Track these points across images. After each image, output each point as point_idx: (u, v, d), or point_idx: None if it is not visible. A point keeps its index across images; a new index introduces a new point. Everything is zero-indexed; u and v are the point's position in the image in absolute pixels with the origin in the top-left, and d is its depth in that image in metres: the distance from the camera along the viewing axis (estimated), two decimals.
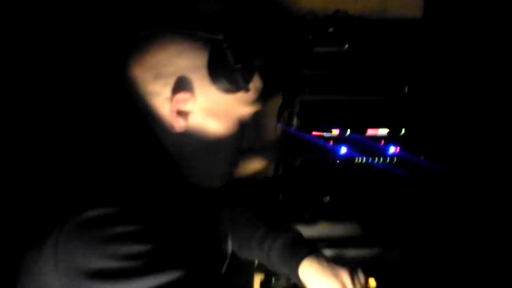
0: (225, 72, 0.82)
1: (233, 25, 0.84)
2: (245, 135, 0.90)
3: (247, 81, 0.84)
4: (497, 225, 1.36)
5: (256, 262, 1.44)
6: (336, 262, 1.02)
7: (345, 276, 1.00)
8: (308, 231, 1.31)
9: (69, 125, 0.91)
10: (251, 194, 1.41)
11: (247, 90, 0.85)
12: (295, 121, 1.58)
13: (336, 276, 0.99)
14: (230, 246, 1.12)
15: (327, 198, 1.36)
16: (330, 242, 1.35)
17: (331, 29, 1.68)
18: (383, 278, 1.32)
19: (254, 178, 1.52)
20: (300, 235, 1.11)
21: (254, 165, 1.53)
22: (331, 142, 1.58)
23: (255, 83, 0.86)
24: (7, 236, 1.01)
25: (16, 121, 1.27)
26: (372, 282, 1.31)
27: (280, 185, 1.42)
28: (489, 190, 1.41)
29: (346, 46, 1.67)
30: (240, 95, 0.85)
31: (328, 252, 1.35)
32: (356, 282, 1.02)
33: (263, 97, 0.89)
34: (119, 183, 0.75)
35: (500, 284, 1.29)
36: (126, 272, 0.69)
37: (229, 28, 0.83)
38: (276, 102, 1.65)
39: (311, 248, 1.04)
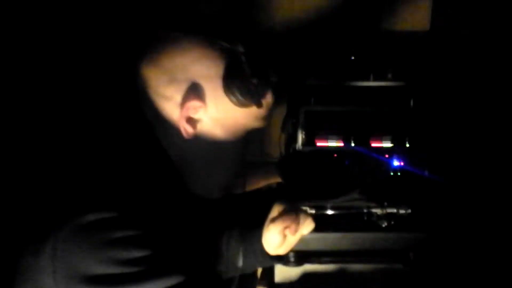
0: (240, 85, 0.81)
1: (252, 40, 0.83)
2: (250, 149, 0.89)
3: (261, 96, 0.83)
4: (505, 241, 1.34)
5: (259, 274, 1.42)
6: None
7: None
8: (312, 243, 1.29)
9: (71, 126, 0.90)
10: (255, 204, 1.40)
11: (260, 106, 0.83)
12: (299, 131, 1.57)
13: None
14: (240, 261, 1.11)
15: (330, 211, 1.35)
16: (334, 255, 1.34)
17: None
18: None
19: (257, 189, 1.51)
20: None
21: (258, 177, 1.52)
22: (335, 155, 1.57)
23: (267, 99, 0.85)
24: (3, 240, 0.99)
25: (17, 122, 1.25)
26: None
27: (284, 196, 1.40)
28: (495, 205, 1.40)
29: (352, 57, 1.67)
30: (251, 110, 0.84)
31: (331, 266, 1.34)
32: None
33: (271, 113, 0.88)
34: (118, 187, 0.74)
35: None
36: (125, 278, 0.68)
37: (249, 42, 0.82)
38: (281, 111, 1.64)
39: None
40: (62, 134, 0.89)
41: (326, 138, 1.58)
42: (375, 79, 1.62)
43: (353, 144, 1.57)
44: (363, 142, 1.57)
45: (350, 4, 1.81)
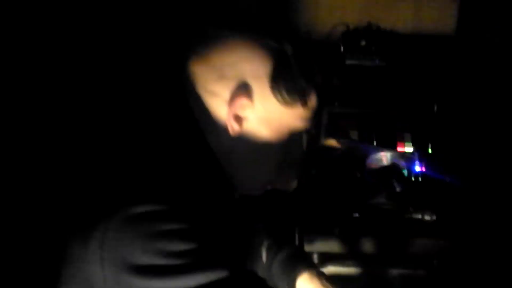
0: (287, 84, 0.81)
1: (300, 41, 0.82)
2: (292, 150, 0.89)
3: (307, 97, 0.83)
4: None
5: None
6: (336, 283, 1.02)
7: None
8: (336, 246, 1.29)
9: (122, 120, 0.91)
10: (280, 207, 1.40)
11: (305, 106, 0.83)
12: (322, 133, 1.57)
13: None
14: (264, 259, 1.11)
15: (356, 214, 1.34)
16: (358, 258, 1.33)
17: (363, 42, 1.67)
18: None
19: (284, 192, 1.50)
20: (301, 250, 1.15)
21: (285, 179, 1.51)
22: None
23: (312, 101, 0.85)
24: (51, 229, 1.01)
25: (71, 112, 1.28)
26: None
27: (309, 198, 1.40)
28: None
29: (377, 60, 1.66)
30: (296, 110, 0.84)
31: (354, 269, 1.33)
32: None
33: (315, 115, 0.88)
34: (167, 180, 0.74)
35: None
36: (171, 269, 0.69)
37: (297, 42, 0.82)
38: None
39: (310, 264, 1.06)
40: (114, 128, 0.89)
41: (349, 140, 1.58)
42: (399, 82, 1.62)
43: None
44: (386, 146, 1.57)
45: (375, 6, 1.81)
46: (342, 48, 1.65)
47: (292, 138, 0.86)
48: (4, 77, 1.26)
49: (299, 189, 1.53)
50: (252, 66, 0.81)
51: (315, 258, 1.30)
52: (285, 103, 0.82)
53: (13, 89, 1.28)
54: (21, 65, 1.29)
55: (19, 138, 1.28)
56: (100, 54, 1.37)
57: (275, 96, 0.81)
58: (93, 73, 1.35)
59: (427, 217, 1.34)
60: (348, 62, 1.63)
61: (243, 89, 0.81)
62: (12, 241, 1.20)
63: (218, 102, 0.81)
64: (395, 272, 1.34)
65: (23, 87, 1.29)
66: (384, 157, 1.43)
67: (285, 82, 0.81)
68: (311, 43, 1.63)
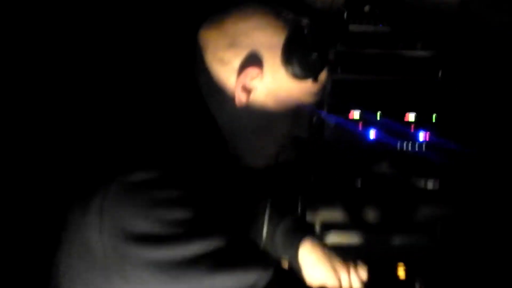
0: (300, 57, 0.79)
1: (317, 13, 0.80)
2: (298, 124, 0.87)
3: (318, 72, 0.80)
4: None
5: None
6: (337, 252, 1.03)
7: (339, 266, 1.02)
8: (339, 215, 1.29)
9: (124, 88, 0.90)
10: (282, 175, 1.39)
11: (315, 81, 0.81)
12: (325, 100, 1.55)
13: (332, 265, 1.01)
14: (265, 229, 1.11)
15: (359, 183, 1.34)
16: (361, 227, 1.33)
17: (367, 8, 1.64)
18: (411, 265, 1.31)
19: (285, 160, 1.49)
20: (303, 220, 1.17)
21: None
22: (361, 124, 1.55)
23: (322, 76, 0.83)
24: (51, 196, 1.01)
25: (69, 81, 1.27)
26: (401, 269, 1.29)
27: (312, 167, 1.39)
28: None
29: (381, 26, 1.63)
30: (306, 84, 0.82)
31: (357, 237, 1.33)
32: (352, 273, 1.02)
33: (324, 90, 0.86)
34: (167, 147, 0.74)
35: None
36: (169, 238, 0.69)
37: (314, 15, 0.79)
38: None
39: (312, 234, 1.06)
40: (115, 97, 0.88)
41: (351, 108, 1.56)
42: (404, 49, 1.59)
43: (379, 115, 1.55)
44: (390, 113, 1.55)
45: None
46: (345, 14, 1.62)
47: (299, 113, 0.85)
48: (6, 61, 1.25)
49: (303, 158, 1.53)
50: (265, 36, 0.79)
51: (318, 227, 1.30)
52: (296, 76, 0.80)
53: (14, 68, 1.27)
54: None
55: (20, 107, 1.28)
56: (110, 19, 1.35)
57: (286, 68, 0.79)
58: (98, 41, 1.34)
59: (430, 185, 1.33)
60: (352, 28, 1.60)
61: (254, 59, 0.79)
62: (13, 208, 1.21)
63: (227, 70, 0.79)
64: (398, 240, 1.34)
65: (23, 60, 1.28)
66: None
67: (298, 55, 0.78)
68: (315, 10, 1.61)
